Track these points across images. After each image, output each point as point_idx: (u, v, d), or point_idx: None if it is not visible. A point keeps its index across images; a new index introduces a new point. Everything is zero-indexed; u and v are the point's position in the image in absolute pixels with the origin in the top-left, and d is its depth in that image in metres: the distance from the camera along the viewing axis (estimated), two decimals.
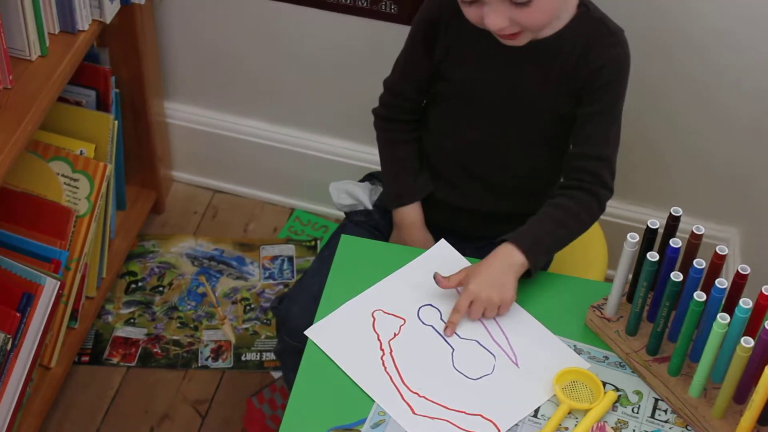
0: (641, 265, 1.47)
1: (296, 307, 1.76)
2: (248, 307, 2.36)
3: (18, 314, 1.87)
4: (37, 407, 2.05)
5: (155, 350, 2.27)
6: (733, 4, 1.91)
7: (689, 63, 2.02)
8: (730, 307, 1.40)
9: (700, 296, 1.38)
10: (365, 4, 2.12)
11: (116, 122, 2.15)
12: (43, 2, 1.86)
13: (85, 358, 2.25)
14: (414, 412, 1.46)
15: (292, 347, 1.72)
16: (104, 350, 2.27)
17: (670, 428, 1.46)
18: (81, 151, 2.08)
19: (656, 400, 1.49)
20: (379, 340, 1.54)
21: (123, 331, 2.30)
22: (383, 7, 2.11)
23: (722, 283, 1.37)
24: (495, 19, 1.53)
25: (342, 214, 2.08)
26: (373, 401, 1.47)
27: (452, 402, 1.47)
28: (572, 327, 1.57)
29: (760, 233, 2.14)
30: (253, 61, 2.32)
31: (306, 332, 1.55)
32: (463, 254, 1.66)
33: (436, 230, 1.83)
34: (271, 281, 2.41)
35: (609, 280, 1.64)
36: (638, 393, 1.50)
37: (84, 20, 1.94)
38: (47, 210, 2.00)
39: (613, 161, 1.69)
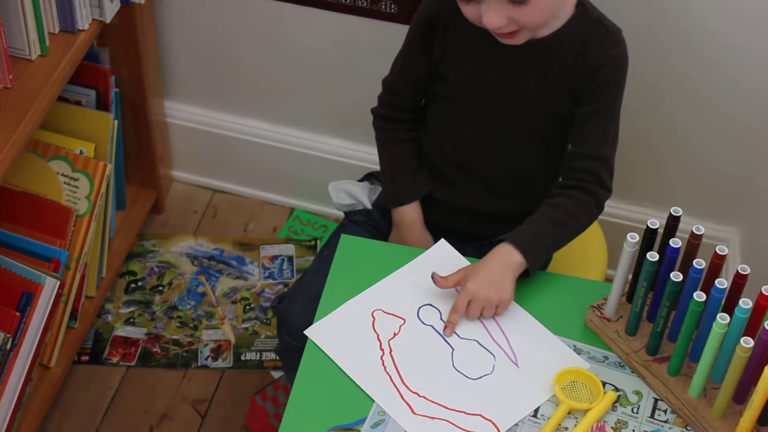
0: (641, 265, 1.47)
1: (296, 307, 1.76)
2: (248, 307, 2.36)
3: (18, 313, 1.87)
4: (37, 406, 2.05)
5: (155, 350, 2.27)
6: (730, 4, 1.91)
7: (687, 63, 2.02)
8: (729, 307, 1.40)
9: (699, 296, 1.38)
10: (365, 4, 2.12)
11: (116, 122, 2.15)
12: (43, 2, 1.86)
13: (85, 358, 2.25)
14: (414, 412, 1.46)
15: (293, 347, 1.72)
16: (104, 350, 2.27)
17: (669, 428, 1.46)
18: (81, 150, 2.08)
19: (656, 400, 1.49)
20: (378, 339, 1.54)
21: (123, 331, 2.30)
22: (383, 6, 2.11)
23: (722, 283, 1.37)
24: (493, 17, 1.53)
25: (342, 214, 2.08)
26: (373, 401, 1.47)
27: (452, 402, 1.47)
28: (572, 327, 1.57)
29: (760, 233, 2.14)
30: (253, 60, 2.32)
31: (306, 332, 1.55)
32: (463, 254, 1.66)
33: (436, 230, 1.83)
34: (270, 281, 2.41)
35: (609, 280, 1.65)
36: (638, 393, 1.50)
37: (84, 19, 1.94)
38: (47, 209, 2.00)
39: (611, 161, 1.69)
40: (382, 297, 1.60)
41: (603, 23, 1.65)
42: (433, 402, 1.47)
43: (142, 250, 2.45)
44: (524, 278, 1.61)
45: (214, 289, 2.39)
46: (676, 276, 1.41)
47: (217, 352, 2.28)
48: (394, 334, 1.55)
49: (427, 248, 1.68)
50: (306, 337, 1.54)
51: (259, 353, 2.27)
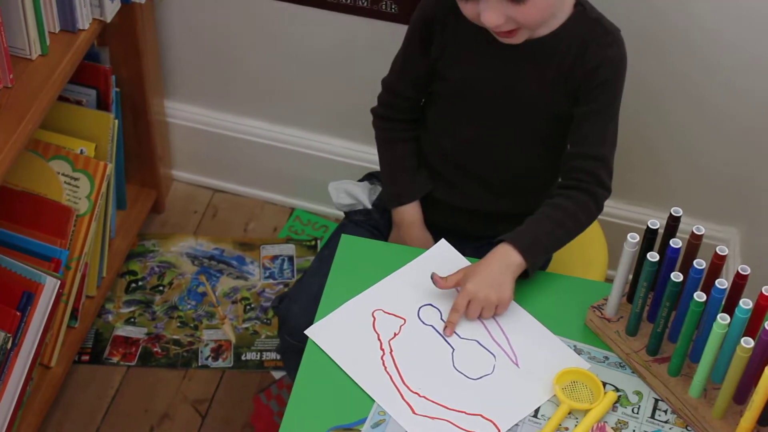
0: (641, 266, 1.47)
1: (296, 307, 1.76)
2: (248, 307, 2.36)
3: (18, 313, 1.87)
4: (38, 406, 2.05)
5: (155, 349, 2.27)
6: (729, 4, 1.91)
7: (686, 62, 2.02)
8: (730, 308, 1.40)
9: (700, 297, 1.38)
10: (366, 4, 2.12)
11: (116, 121, 2.15)
12: (44, 1, 1.86)
13: (86, 358, 2.25)
14: (414, 412, 1.46)
15: (293, 347, 1.72)
16: (104, 349, 2.27)
17: (670, 428, 1.46)
18: (81, 150, 2.08)
19: (656, 400, 1.49)
20: (379, 339, 1.54)
21: (123, 331, 2.30)
22: (384, 6, 2.11)
23: (722, 283, 1.37)
24: (491, 15, 1.53)
25: (342, 214, 2.08)
26: (374, 401, 1.47)
27: (452, 402, 1.47)
28: (572, 327, 1.57)
29: (760, 234, 2.14)
30: (253, 60, 2.32)
31: (306, 332, 1.55)
32: (462, 254, 1.66)
33: (435, 230, 1.84)
34: (271, 281, 2.41)
35: (609, 280, 1.64)
36: (638, 393, 1.50)
37: (84, 19, 1.94)
38: (47, 209, 2.00)
39: (610, 161, 1.69)
40: (383, 297, 1.60)
41: (601, 23, 1.65)
42: (433, 402, 1.47)
43: (142, 249, 2.45)
44: (524, 279, 1.61)
45: (214, 289, 2.39)
46: (676, 276, 1.41)
47: (217, 352, 2.28)
48: (395, 334, 1.55)
49: (427, 248, 1.68)
50: (306, 337, 1.54)
51: (259, 353, 2.28)
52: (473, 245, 1.78)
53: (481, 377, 1.51)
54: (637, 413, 1.48)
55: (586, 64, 1.63)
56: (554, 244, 1.66)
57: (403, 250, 1.70)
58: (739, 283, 1.41)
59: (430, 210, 1.84)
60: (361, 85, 2.10)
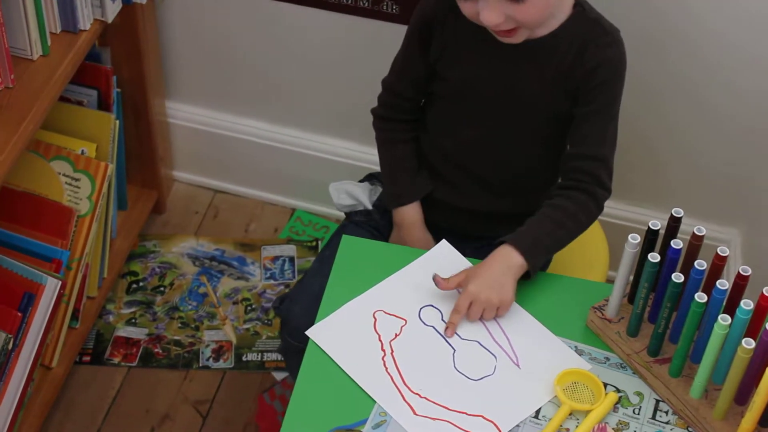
0: (642, 266, 1.47)
1: (297, 308, 1.76)
2: (249, 308, 2.36)
3: (19, 314, 1.87)
4: (38, 407, 2.05)
5: (156, 350, 2.27)
6: (728, 4, 1.91)
7: (686, 63, 2.02)
8: (731, 309, 1.40)
9: (701, 297, 1.37)
10: (367, 5, 2.12)
11: (117, 122, 2.15)
12: (45, 1, 1.86)
13: (86, 358, 2.25)
14: (415, 413, 1.46)
15: (294, 347, 1.72)
16: (105, 350, 2.27)
17: (671, 429, 1.46)
18: (82, 150, 2.08)
19: (657, 401, 1.49)
20: (380, 340, 1.54)
21: (124, 331, 2.30)
22: (385, 7, 2.11)
23: (723, 284, 1.37)
24: (490, 14, 1.53)
25: (343, 215, 2.08)
26: (374, 402, 1.47)
27: (453, 403, 1.47)
28: (573, 328, 1.57)
29: (761, 234, 2.14)
30: (254, 61, 2.32)
31: (307, 332, 1.55)
32: (463, 254, 1.66)
33: (435, 230, 1.84)
34: (272, 281, 2.41)
35: (610, 281, 1.64)
36: (639, 394, 1.50)
37: (86, 19, 1.94)
38: (48, 210, 2.00)
39: (610, 161, 1.69)
40: (384, 298, 1.60)
41: (601, 23, 1.65)
42: (434, 403, 1.47)
43: (143, 250, 2.45)
44: (526, 280, 1.61)
45: (215, 290, 2.39)
46: (677, 277, 1.41)
47: (218, 353, 2.28)
48: (396, 335, 1.55)
49: (428, 248, 1.68)
50: (307, 338, 1.54)
51: (260, 354, 2.27)
52: (473, 245, 1.78)
53: (482, 378, 1.51)
54: (638, 414, 1.47)
55: (585, 65, 1.63)
56: (555, 245, 1.66)
57: (403, 251, 1.70)
58: (740, 283, 1.41)
59: (431, 210, 1.84)
60: (362, 85, 2.10)
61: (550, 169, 1.78)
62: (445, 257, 1.66)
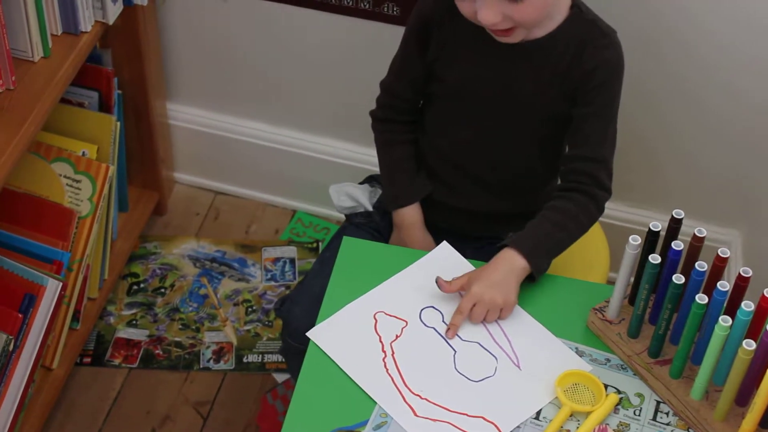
0: (643, 268, 1.47)
1: (298, 309, 1.76)
2: (250, 309, 2.36)
3: (20, 315, 1.87)
4: (39, 408, 2.05)
5: (157, 352, 2.27)
6: (725, 5, 1.91)
7: (683, 64, 2.02)
8: (731, 310, 1.40)
9: (701, 299, 1.37)
10: (367, 6, 2.12)
11: (118, 123, 2.15)
12: (46, 3, 1.86)
13: (87, 360, 2.25)
14: (416, 414, 1.46)
15: (295, 349, 1.73)
16: (106, 351, 2.27)
17: (672, 431, 1.46)
18: (83, 152, 2.09)
19: (658, 402, 1.49)
20: (381, 341, 1.54)
21: (125, 333, 2.30)
22: (385, 9, 2.11)
23: (724, 285, 1.37)
24: (487, 13, 1.53)
25: (343, 216, 2.08)
26: (375, 403, 1.47)
27: (454, 404, 1.47)
28: (574, 329, 1.57)
29: (761, 236, 2.14)
30: (255, 62, 2.32)
31: (308, 333, 1.55)
32: (463, 255, 1.67)
33: (435, 230, 1.84)
34: (272, 283, 2.41)
35: (611, 282, 1.64)
36: (640, 395, 1.50)
37: (87, 21, 1.94)
38: (49, 211, 2.01)
39: (609, 162, 1.69)
40: (385, 299, 1.60)
41: (598, 25, 1.65)
42: (435, 404, 1.47)
43: (144, 252, 2.45)
44: (530, 282, 1.61)
45: (216, 291, 2.39)
46: (678, 278, 1.41)
47: (219, 354, 2.28)
48: (396, 336, 1.55)
49: (428, 249, 1.68)
50: (308, 339, 1.54)
51: (261, 355, 2.28)
52: (473, 246, 1.78)
53: (482, 379, 1.51)
54: (639, 415, 1.47)
55: (583, 66, 1.63)
56: (557, 247, 1.66)
57: (404, 252, 1.70)
58: (741, 285, 1.41)
59: (430, 211, 1.84)
60: (362, 87, 2.10)
61: (549, 170, 1.79)
62: (446, 259, 1.66)
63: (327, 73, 2.28)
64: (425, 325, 1.57)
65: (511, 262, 1.59)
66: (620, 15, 1.80)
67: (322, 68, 2.28)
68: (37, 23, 1.84)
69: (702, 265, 1.39)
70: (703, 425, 1.43)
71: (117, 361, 2.25)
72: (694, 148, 2.14)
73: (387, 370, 1.51)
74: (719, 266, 1.43)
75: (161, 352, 2.27)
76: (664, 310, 1.44)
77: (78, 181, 2.06)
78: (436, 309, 1.59)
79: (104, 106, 2.15)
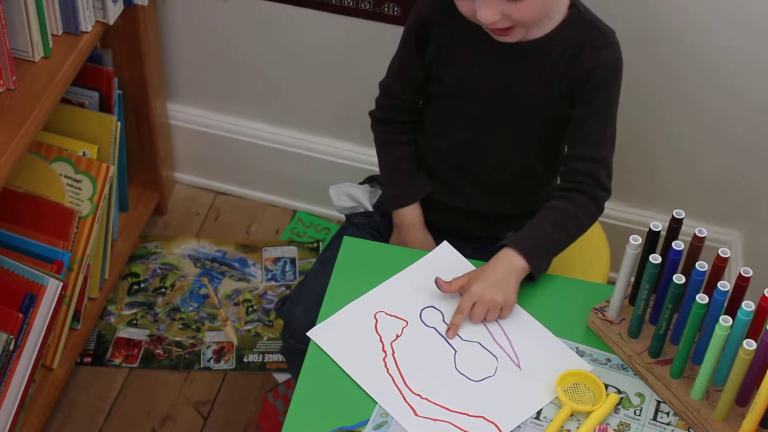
0: (643, 268, 1.47)
1: (298, 309, 1.76)
2: (250, 309, 2.36)
3: (20, 315, 1.87)
4: (40, 408, 2.06)
5: (157, 351, 2.27)
6: (723, 6, 1.91)
7: (682, 64, 2.02)
8: (732, 310, 1.40)
9: (702, 299, 1.38)
10: (368, 7, 2.12)
11: (119, 123, 2.15)
12: (47, 3, 1.86)
13: (88, 359, 2.25)
14: (416, 414, 1.46)
15: (296, 348, 1.73)
16: (106, 351, 2.27)
17: (672, 431, 1.46)
18: (84, 152, 2.09)
19: (658, 402, 1.49)
20: (381, 341, 1.54)
21: (125, 332, 2.30)
22: (386, 9, 2.11)
23: (724, 285, 1.37)
24: (486, 12, 1.54)
25: (344, 216, 2.09)
26: (376, 403, 1.47)
27: (454, 404, 1.47)
28: (574, 329, 1.57)
29: (762, 236, 2.14)
30: (256, 62, 2.32)
31: (308, 333, 1.55)
32: (463, 254, 1.67)
33: (435, 230, 1.84)
34: (273, 283, 2.41)
35: (611, 282, 1.65)
36: (640, 395, 1.50)
37: (87, 21, 1.94)
38: (50, 211, 2.01)
39: (609, 162, 1.69)
40: (385, 299, 1.60)
41: (596, 25, 1.65)
42: (435, 404, 1.47)
43: (144, 251, 2.45)
44: (530, 282, 1.61)
45: (216, 291, 2.39)
46: (678, 278, 1.41)
47: (219, 354, 2.28)
48: (397, 336, 1.55)
49: (429, 249, 1.68)
50: (309, 339, 1.55)
51: (261, 355, 2.28)
52: (473, 245, 1.78)
53: (483, 379, 1.51)
54: (640, 415, 1.48)
55: (581, 66, 1.63)
56: (556, 247, 1.66)
57: (404, 252, 1.70)
58: (741, 285, 1.41)
59: (430, 211, 1.84)
60: (362, 87, 2.10)
61: (548, 170, 1.79)
62: (446, 259, 1.66)
63: (327, 73, 2.28)
64: (425, 324, 1.57)
65: (510, 262, 1.59)
66: (619, 15, 1.80)
67: (322, 68, 2.28)
68: (37, 23, 1.84)
69: (702, 265, 1.39)
70: (704, 425, 1.43)
71: (117, 361, 2.26)
72: (693, 148, 2.14)
73: (387, 369, 1.51)
74: (720, 266, 1.43)
75: (162, 352, 2.27)
76: (665, 310, 1.44)
77: (78, 181, 2.06)
78: (436, 309, 1.59)
79: (105, 106, 2.15)
